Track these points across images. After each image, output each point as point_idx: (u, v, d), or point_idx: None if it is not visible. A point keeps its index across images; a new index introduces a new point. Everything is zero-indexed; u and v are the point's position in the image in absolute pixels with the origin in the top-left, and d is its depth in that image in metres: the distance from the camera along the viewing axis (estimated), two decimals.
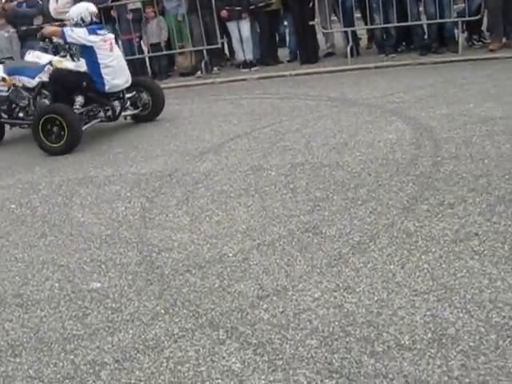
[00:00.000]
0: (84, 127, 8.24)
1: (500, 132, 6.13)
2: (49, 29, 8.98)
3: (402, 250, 4.08)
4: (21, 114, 8.82)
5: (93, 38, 8.14)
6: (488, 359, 2.92)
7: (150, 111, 9.09)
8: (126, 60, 13.19)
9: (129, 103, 8.89)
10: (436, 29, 11.13)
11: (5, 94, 8.84)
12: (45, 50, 13.27)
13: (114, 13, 12.59)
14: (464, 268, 3.74)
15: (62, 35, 8.17)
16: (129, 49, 12.83)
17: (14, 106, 8.91)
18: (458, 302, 3.41)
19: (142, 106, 9.03)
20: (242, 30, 12.30)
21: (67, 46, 8.53)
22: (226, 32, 12.76)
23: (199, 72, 12.51)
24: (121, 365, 3.30)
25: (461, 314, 3.29)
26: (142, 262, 4.49)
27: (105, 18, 12.34)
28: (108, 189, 6.25)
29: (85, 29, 8.15)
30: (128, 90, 8.71)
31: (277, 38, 13.46)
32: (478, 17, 10.67)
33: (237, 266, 4.20)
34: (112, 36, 8.66)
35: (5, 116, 9.05)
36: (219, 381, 3.04)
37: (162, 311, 3.76)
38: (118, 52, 8.64)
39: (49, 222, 5.56)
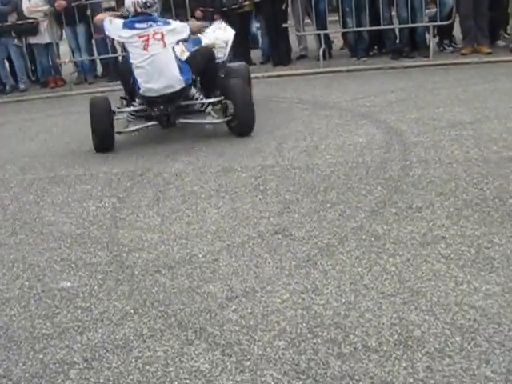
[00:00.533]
0: (128, 129, 7.46)
1: (469, 136, 6.21)
2: (98, 17, 7.70)
3: (370, 252, 4.13)
4: None
5: (125, 32, 7.14)
6: (453, 361, 2.97)
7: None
8: (100, 59, 13.29)
9: (210, 109, 7.41)
10: (408, 33, 11.23)
11: None
12: (19, 48, 13.28)
13: (88, 12, 12.52)
14: (431, 271, 3.80)
15: (102, 26, 7.35)
16: (103, 47, 12.79)
17: None
18: (424, 304, 3.46)
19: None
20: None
21: None
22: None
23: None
24: (90, 364, 3.31)
25: (427, 317, 3.34)
26: (112, 261, 4.50)
27: (79, 17, 12.34)
28: (79, 188, 6.24)
29: (122, 21, 7.20)
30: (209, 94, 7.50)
31: (249, 40, 13.48)
32: (450, 21, 10.78)
33: (206, 266, 4.23)
34: (153, 31, 7.09)
35: None
36: (187, 381, 3.07)
37: (132, 311, 3.77)
38: (157, 50, 7.05)
39: (19, 221, 5.55)
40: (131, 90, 7.44)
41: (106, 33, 7.38)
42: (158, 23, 7.16)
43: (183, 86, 7.14)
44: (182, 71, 7.11)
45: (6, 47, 13.06)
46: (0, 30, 12.82)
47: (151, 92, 7.12)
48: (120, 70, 7.96)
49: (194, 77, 7.35)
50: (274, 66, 12.14)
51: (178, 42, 7.28)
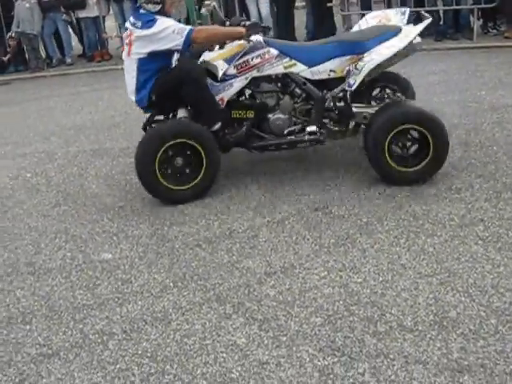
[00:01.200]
0: None
1: (510, 120, 6.17)
2: None
3: (409, 232, 4.14)
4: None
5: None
6: (487, 343, 2.99)
7: None
8: None
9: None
10: (452, 15, 11.10)
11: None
12: (69, 23, 13.41)
13: None
14: (468, 253, 3.81)
15: None
16: None
17: None
18: (460, 286, 3.47)
19: None
20: (261, 9, 12.30)
21: None
22: (245, 12, 12.75)
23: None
24: (128, 335, 3.38)
25: (463, 298, 3.35)
26: (153, 234, 4.57)
27: None
28: (123, 161, 6.33)
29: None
30: None
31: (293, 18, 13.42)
32: (494, 4, 10.60)
33: (246, 242, 4.28)
34: (129, 31, 5.27)
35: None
36: (224, 354, 3.12)
37: (171, 284, 3.84)
38: (124, 58, 5.37)
39: (63, 192, 5.65)
40: None
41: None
42: (137, 23, 5.20)
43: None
44: (138, 89, 5.29)
45: (54, 21, 13.18)
46: (48, 5, 12.93)
47: None
48: None
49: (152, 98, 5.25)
50: None
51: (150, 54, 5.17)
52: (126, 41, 5.35)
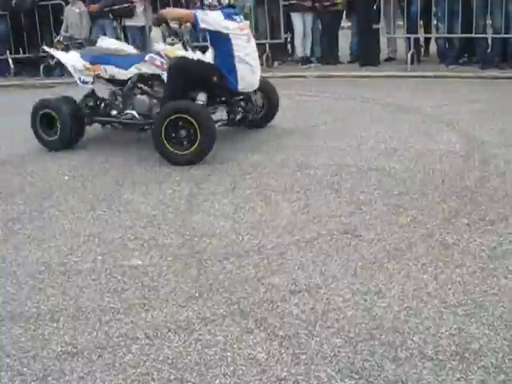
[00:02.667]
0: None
1: None
2: (174, 12, 7.60)
3: (438, 261, 4.12)
4: (114, 112, 7.37)
5: (230, 24, 6.69)
6: (508, 378, 2.96)
7: (261, 116, 7.84)
8: None
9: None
10: (500, 43, 11.03)
11: (91, 85, 7.56)
12: (115, 30, 13.59)
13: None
14: (496, 286, 3.77)
15: (195, 20, 6.60)
16: None
17: (98, 101, 7.65)
18: (485, 318, 3.44)
19: (254, 109, 7.56)
20: (306, 24, 12.39)
21: (180, 33, 7.19)
22: (290, 28, 12.84)
23: None
24: (151, 341, 3.42)
25: (487, 331, 3.32)
26: (183, 245, 4.61)
27: (173, 5, 12.55)
28: (159, 170, 6.39)
29: (220, 12, 6.72)
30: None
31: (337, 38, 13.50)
32: None
33: (274, 259, 4.29)
34: (248, 24, 7.26)
35: (91, 113, 7.61)
36: (243, 367, 3.14)
37: (197, 295, 3.87)
38: (254, 44, 7.17)
39: (99, 197, 5.72)
40: (211, 86, 6.88)
41: (202, 26, 6.62)
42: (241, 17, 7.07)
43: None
44: None
45: (103, 28, 13.38)
46: (97, 12, 13.14)
47: (249, 87, 7.05)
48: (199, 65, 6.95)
49: None
50: (360, 66, 12.11)
51: None
52: (246, 31, 6.94)
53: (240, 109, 7.26)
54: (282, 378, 3.05)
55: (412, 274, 3.97)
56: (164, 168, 6.39)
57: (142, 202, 5.53)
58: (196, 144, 6.39)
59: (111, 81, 7.40)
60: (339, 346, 3.26)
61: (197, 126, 6.32)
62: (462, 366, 3.06)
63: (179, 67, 6.76)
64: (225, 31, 6.62)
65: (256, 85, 7.12)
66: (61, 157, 7.05)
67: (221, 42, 6.71)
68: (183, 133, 6.42)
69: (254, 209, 5.20)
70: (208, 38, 7.00)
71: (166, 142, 6.45)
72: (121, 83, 7.33)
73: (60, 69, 13.67)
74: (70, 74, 7.82)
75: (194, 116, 6.34)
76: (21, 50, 14.45)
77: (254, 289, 3.89)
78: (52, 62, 13.47)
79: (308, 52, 12.75)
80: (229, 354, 3.26)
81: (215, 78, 6.73)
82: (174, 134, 6.45)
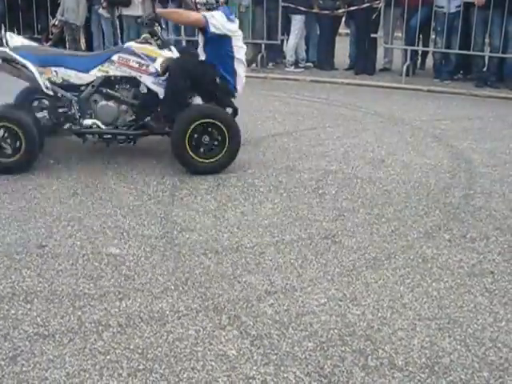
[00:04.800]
0: None
1: None
2: (183, 15, 6.70)
3: (415, 273, 4.13)
4: (88, 122, 6.29)
5: (231, 26, 6.29)
6: None
7: None
8: (187, 41, 13.43)
9: None
10: (497, 63, 11.05)
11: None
12: (111, 23, 13.49)
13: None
14: (472, 303, 3.79)
15: (206, 25, 6.10)
16: (190, 29, 12.94)
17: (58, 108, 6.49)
18: (458, 334, 3.45)
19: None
20: (304, 27, 12.43)
21: (157, 31, 6.46)
22: (286, 30, 12.81)
23: (254, 65, 12.52)
24: (123, 330, 3.41)
25: (458, 347, 3.33)
26: (162, 237, 4.60)
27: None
28: (145, 162, 6.38)
29: (222, 13, 6.22)
30: None
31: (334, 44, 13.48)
32: None
33: (252, 258, 4.29)
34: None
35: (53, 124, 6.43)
36: (212, 363, 3.14)
37: (172, 287, 3.87)
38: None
39: (82, 183, 5.71)
40: (212, 88, 6.42)
41: (212, 30, 6.11)
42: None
43: None
44: None
45: (99, 15, 13.29)
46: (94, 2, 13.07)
47: (241, 88, 6.61)
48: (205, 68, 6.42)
49: None
50: (355, 74, 12.11)
51: None
52: (240, 32, 6.46)
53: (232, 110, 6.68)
54: (251, 376, 3.05)
55: (389, 285, 3.97)
56: (150, 160, 6.37)
57: (126, 191, 5.52)
58: (223, 151, 6.04)
59: (63, 86, 6.29)
60: (310, 350, 3.26)
61: (226, 132, 5.98)
62: (430, 379, 3.07)
63: (182, 69, 6.22)
64: (229, 34, 6.26)
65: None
66: (47, 139, 6.98)
67: (222, 43, 6.30)
68: (208, 139, 6.03)
69: (236, 207, 5.20)
70: (204, 39, 6.35)
71: (189, 148, 5.96)
72: (76, 89, 6.32)
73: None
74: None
75: (223, 122, 5.99)
76: (15, 31, 14.30)
77: (229, 286, 3.89)
78: (47, 45, 13.40)
79: (303, 55, 12.74)
80: (200, 348, 3.26)
81: (218, 80, 6.34)
82: (196, 141, 6.01)
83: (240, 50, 6.47)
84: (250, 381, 3.01)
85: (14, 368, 3.10)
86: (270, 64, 12.90)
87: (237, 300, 3.73)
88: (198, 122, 5.91)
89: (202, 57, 6.42)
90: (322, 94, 10.36)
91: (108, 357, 3.19)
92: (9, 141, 5.99)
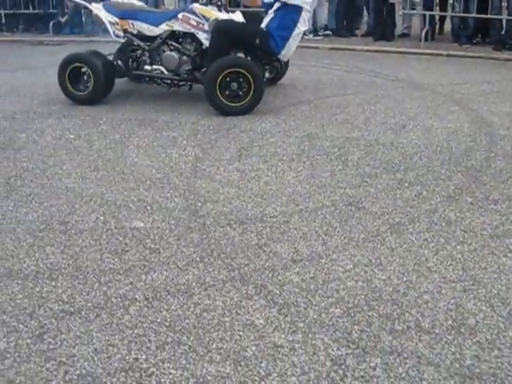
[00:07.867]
0: None
1: None
2: None
3: (439, 237, 4.13)
4: (147, 67, 7.56)
5: None
6: (502, 354, 2.97)
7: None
8: None
9: None
10: None
11: (123, 40, 7.68)
12: None
13: None
14: (496, 264, 3.78)
15: None
16: None
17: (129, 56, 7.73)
18: (483, 295, 3.45)
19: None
20: None
21: None
22: None
23: None
24: (150, 303, 3.43)
25: (484, 307, 3.34)
26: (186, 209, 4.61)
27: None
28: (165, 134, 6.39)
29: None
30: None
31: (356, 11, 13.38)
32: None
33: (276, 227, 4.30)
34: None
35: (122, 68, 7.74)
36: (240, 333, 3.15)
37: (198, 259, 3.88)
38: None
39: (103, 158, 5.71)
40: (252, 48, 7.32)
41: (292, 2, 6.90)
42: None
43: None
44: None
45: None
46: None
47: (286, 57, 7.51)
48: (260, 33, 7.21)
49: None
50: (374, 41, 12.03)
51: None
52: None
53: (274, 70, 8.07)
54: (279, 344, 3.05)
55: (413, 249, 3.97)
56: (170, 132, 6.38)
57: (148, 164, 5.52)
58: (249, 96, 6.93)
59: (138, 36, 7.55)
60: (337, 316, 3.27)
61: (251, 80, 6.83)
62: (457, 340, 3.07)
63: (224, 29, 7.08)
64: (301, 4, 6.98)
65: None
66: (66, 115, 7.02)
67: (292, 12, 7.01)
68: (236, 85, 6.91)
69: (259, 176, 5.20)
70: (276, 5, 7.05)
71: (219, 93, 6.89)
72: (148, 39, 7.53)
73: (70, 26, 13.64)
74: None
75: (248, 70, 6.83)
76: (30, 6, 14.28)
77: (255, 256, 3.90)
78: (62, 20, 13.41)
79: (321, 23, 12.66)
80: (227, 319, 3.27)
81: (257, 41, 7.12)
82: (227, 87, 6.91)
83: (304, 24, 7.16)
84: (279, 349, 3.02)
85: (41, 346, 3.11)
86: None
87: (263, 269, 3.74)
88: (227, 71, 6.83)
89: (266, 21, 7.14)
90: (341, 62, 10.32)
91: (136, 331, 3.20)
92: (83, 78, 7.43)
